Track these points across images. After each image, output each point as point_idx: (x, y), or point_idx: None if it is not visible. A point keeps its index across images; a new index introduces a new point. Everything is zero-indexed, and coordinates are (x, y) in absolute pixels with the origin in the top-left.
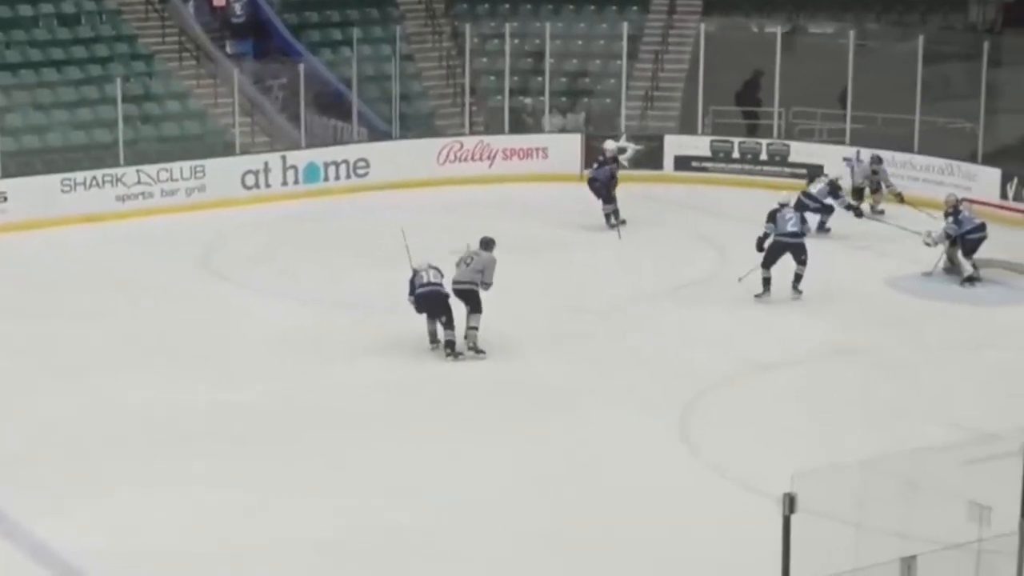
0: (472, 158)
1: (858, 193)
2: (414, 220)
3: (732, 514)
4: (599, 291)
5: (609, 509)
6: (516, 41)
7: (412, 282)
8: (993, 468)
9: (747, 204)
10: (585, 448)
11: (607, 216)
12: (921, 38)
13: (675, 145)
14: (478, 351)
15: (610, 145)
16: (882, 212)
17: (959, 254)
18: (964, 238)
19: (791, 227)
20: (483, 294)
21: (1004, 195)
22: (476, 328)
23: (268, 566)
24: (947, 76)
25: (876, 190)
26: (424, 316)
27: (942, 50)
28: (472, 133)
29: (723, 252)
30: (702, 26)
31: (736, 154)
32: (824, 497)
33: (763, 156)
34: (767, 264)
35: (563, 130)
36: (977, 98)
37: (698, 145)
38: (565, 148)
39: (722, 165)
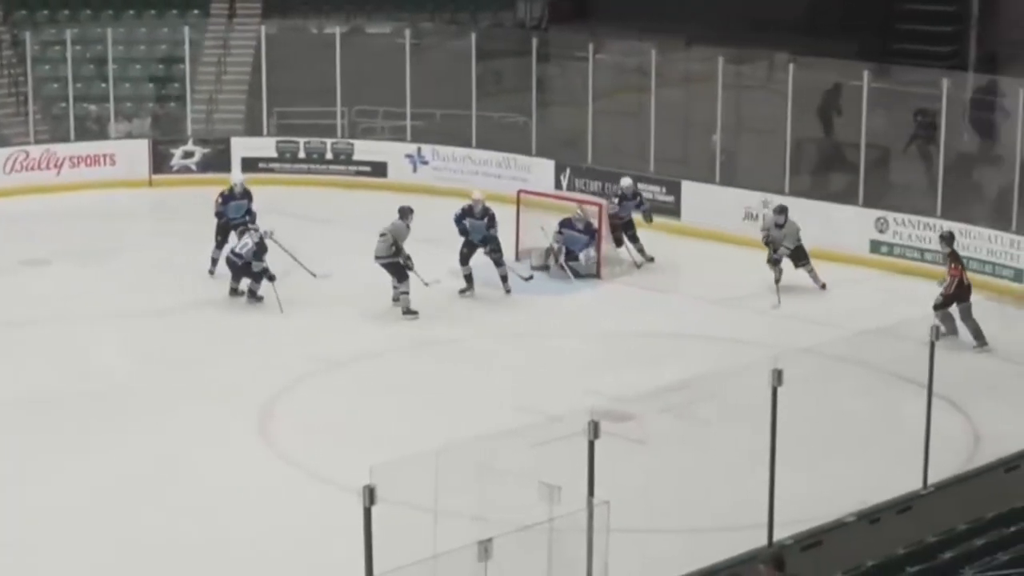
0: (39, 167)
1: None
2: None
3: (314, 510)
4: (167, 295)
5: (193, 512)
6: (78, 47)
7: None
8: (560, 449)
9: (315, 203)
10: (165, 452)
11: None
12: (473, 36)
13: (242, 147)
14: (410, 312)
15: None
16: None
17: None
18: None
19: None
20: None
21: (558, 185)
22: (406, 293)
23: None
24: (499, 72)
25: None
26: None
27: (494, 47)
28: (37, 142)
29: (294, 252)
30: (262, 28)
31: (302, 154)
32: (403, 487)
33: (328, 155)
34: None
35: (130, 136)
36: (528, 92)
37: (264, 146)
38: (133, 153)
39: (288, 165)
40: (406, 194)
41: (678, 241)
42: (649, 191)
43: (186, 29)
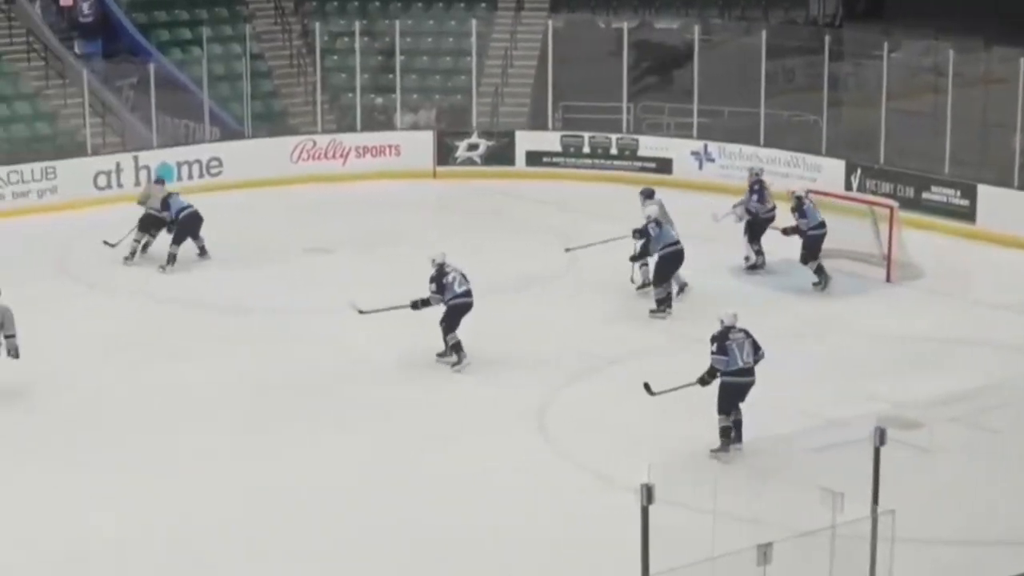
0: (325, 156)
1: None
2: (270, 219)
3: (591, 506)
4: None
5: (468, 505)
6: (366, 39)
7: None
8: (843, 454)
9: (598, 199)
10: (440, 445)
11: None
12: (764, 32)
13: (526, 141)
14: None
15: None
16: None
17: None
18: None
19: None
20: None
21: (848, 186)
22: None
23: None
24: (791, 70)
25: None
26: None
27: (784, 44)
28: (324, 131)
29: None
30: (550, 22)
31: (586, 149)
32: (680, 487)
33: (613, 150)
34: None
35: (415, 127)
36: (819, 91)
37: (549, 140)
38: (418, 145)
39: (573, 160)
40: (691, 191)
41: (972, 246)
42: (943, 194)
43: (473, 22)
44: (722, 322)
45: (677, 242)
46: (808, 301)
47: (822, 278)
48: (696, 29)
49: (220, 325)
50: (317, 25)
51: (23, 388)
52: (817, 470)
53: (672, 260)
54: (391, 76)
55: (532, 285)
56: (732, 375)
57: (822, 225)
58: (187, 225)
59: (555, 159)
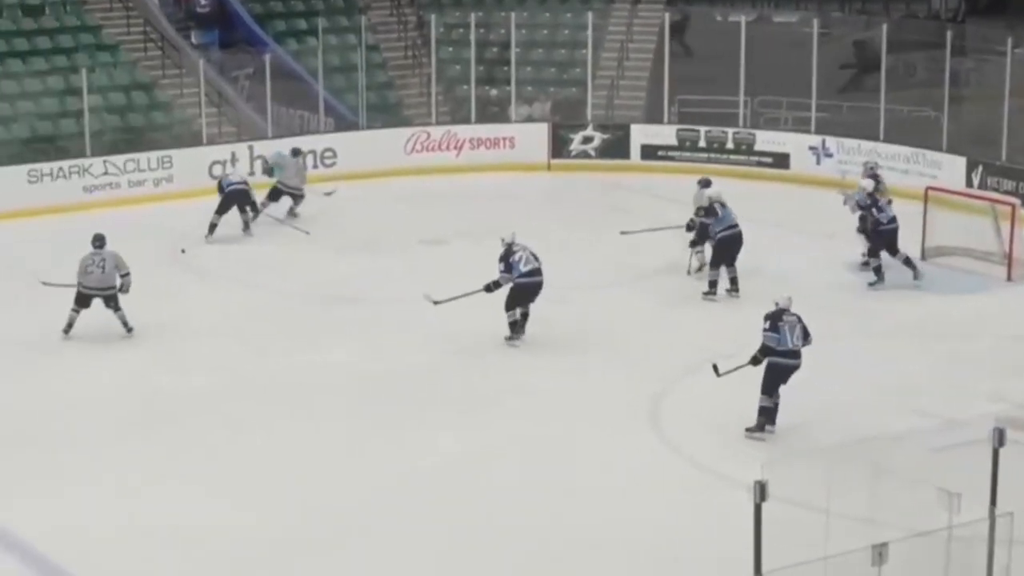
0: (440, 147)
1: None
2: (384, 210)
3: (703, 502)
4: (565, 278)
5: (579, 499)
6: (481, 31)
7: None
8: (960, 455)
9: None
10: (551, 439)
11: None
12: (884, 27)
13: (641, 134)
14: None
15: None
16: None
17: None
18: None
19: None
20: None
21: (969, 183)
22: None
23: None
24: (912, 64)
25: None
26: None
27: (906, 39)
28: (439, 123)
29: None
30: (666, 15)
31: (702, 143)
32: (794, 485)
33: (729, 145)
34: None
35: (530, 119)
36: (940, 86)
37: (664, 134)
38: (532, 137)
39: (688, 154)
40: (808, 186)
41: None
42: None
43: (589, 15)
44: (777, 304)
45: (736, 225)
46: (926, 299)
47: (880, 276)
48: (815, 22)
49: (331, 316)
50: (432, 17)
51: (136, 375)
52: (934, 470)
53: (730, 243)
54: (506, 68)
55: (646, 278)
56: (780, 356)
57: (894, 220)
58: (232, 198)
59: (670, 153)
